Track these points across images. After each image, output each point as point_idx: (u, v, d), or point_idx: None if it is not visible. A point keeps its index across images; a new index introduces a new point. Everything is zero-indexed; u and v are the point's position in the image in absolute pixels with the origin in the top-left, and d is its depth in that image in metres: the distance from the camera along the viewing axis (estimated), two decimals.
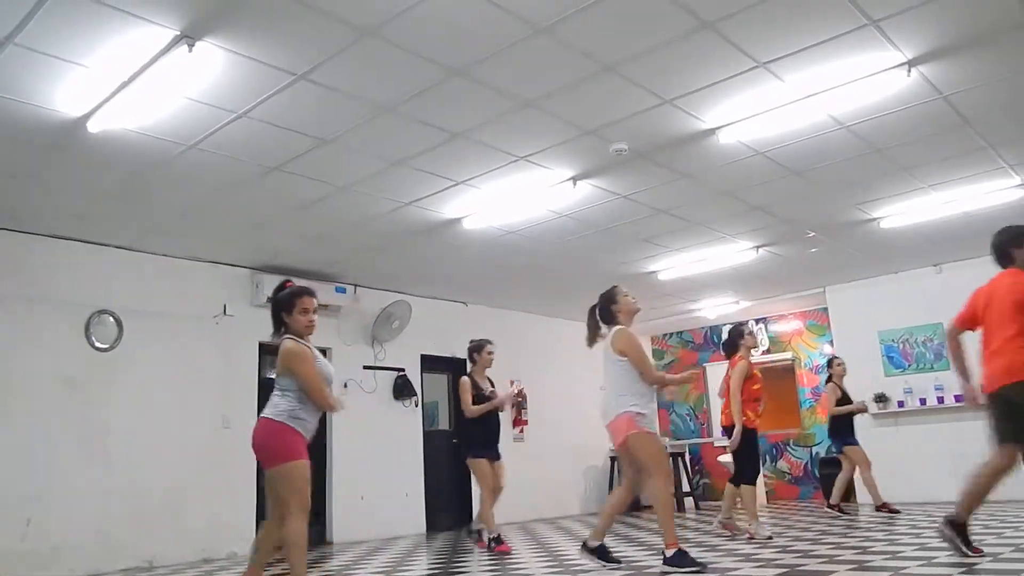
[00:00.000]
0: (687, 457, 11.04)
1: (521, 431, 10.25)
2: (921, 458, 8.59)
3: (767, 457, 11.16)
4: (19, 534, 5.85)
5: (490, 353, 6.47)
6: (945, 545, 4.20)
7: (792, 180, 6.31)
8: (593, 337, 4.86)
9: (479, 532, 6.39)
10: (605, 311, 4.82)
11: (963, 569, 3.71)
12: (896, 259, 8.92)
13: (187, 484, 6.80)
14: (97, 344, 6.62)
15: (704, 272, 9.01)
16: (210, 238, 6.92)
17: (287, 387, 3.71)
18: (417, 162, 5.54)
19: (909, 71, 4.53)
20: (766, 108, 5.00)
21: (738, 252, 8.35)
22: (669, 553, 4.33)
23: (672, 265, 8.74)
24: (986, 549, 4.24)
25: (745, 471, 6.14)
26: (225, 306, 7.49)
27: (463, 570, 5.09)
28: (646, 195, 6.49)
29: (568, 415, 10.40)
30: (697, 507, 10.36)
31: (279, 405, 3.68)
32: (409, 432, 8.97)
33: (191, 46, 3.81)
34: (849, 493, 9.74)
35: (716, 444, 11.26)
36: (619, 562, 4.69)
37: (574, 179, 6.02)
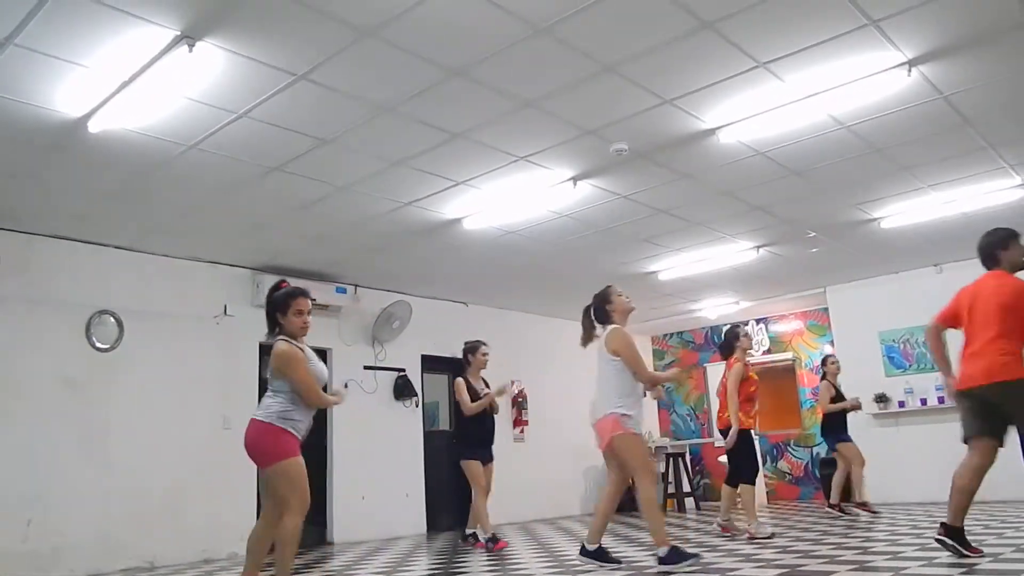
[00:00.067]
0: (687, 457, 11.04)
1: (521, 431, 10.26)
2: (922, 458, 8.58)
3: (767, 457, 11.16)
4: (20, 534, 5.85)
5: (484, 354, 6.53)
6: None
7: (792, 180, 6.31)
8: (588, 337, 4.88)
9: (474, 534, 6.42)
10: (600, 311, 4.85)
11: (963, 569, 3.71)
12: (896, 259, 8.92)
13: (188, 484, 6.81)
14: (98, 344, 6.62)
15: (704, 272, 9.01)
16: (210, 238, 6.92)
17: (279, 388, 3.72)
18: (417, 162, 5.54)
19: (909, 71, 4.53)
20: (766, 108, 5.00)
21: (738, 252, 8.35)
22: (663, 552, 4.36)
23: (672, 265, 8.74)
24: (986, 549, 4.24)
25: (744, 471, 6.17)
26: (225, 306, 7.50)
27: (463, 570, 5.09)
28: (646, 195, 6.49)
29: (568, 415, 10.39)
30: (697, 507, 10.36)
31: (270, 407, 3.69)
32: (409, 432, 8.97)
33: (191, 46, 3.81)
34: (849, 493, 9.76)
35: (716, 444, 11.24)
36: (619, 562, 4.69)
37: (574, 179, 6.02)
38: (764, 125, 5.21)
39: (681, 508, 10.28)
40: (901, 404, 9.25)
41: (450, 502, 8.96)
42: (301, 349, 3.80)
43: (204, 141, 4.95)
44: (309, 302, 3.91)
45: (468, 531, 6.60)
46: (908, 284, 9.39)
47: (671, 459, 10.45)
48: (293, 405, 3.70)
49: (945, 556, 4.14)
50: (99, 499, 6.28)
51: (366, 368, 8.67)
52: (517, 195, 6.27)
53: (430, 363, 9.42)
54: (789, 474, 11.05)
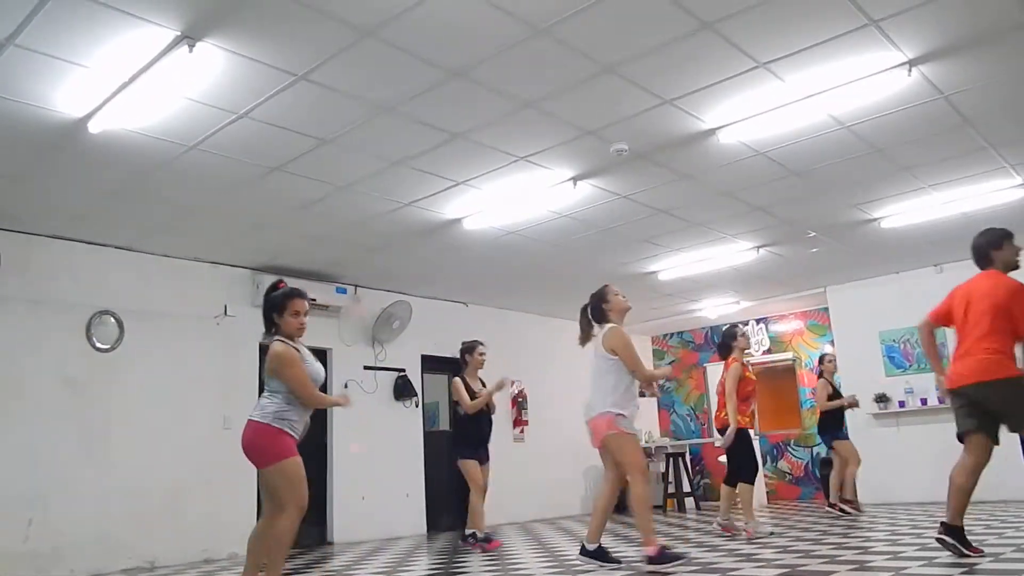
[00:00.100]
0: (687, 457, 11.03)
1: (521, 431, 10.26)
2: (922, 458, 8.57)
3: (768, 457, 11.16)
4: (21, 535, 5.85)
5: (481, 354, 6.56)
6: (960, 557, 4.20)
7: (792, 180, 6.31)
8: (586, 336, 4.91)
9: (474, 534, 6.43)
10: (596, 310, 4.88)
11: (964, 569, 3.71)
12: (897, 259, 8.92)
13: (188, 484, 6.81)
14: (98, 344, 6.62)
15: (704, 272, 9.01)
16: (211, 238, 6.92)
17: (276, 389, 3.72)
18: (417, 162, 5.54)
19: (910, 71, 4.53)
20: (766, 108, 5.00)
21: (739, 252, 8.35)
22: (651, 552, 4.42)
23: (673, 265, 8.74)
24: (987, 549, 4.24)
25: (742, 470, 6.20)
26: (226, 306, 7.50)
27: (463, 570, 5.09)
28: (646, 195, 6.49)
29: (568, 415, 10.38)
30: (697, 507, 10.36)
31: (266, 407, 3.69)
32: (409, 432, 8.97)
33: (191, 47, 3.81)
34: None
35: (716, 444, 11.24)
36: (619, 562, 4.69)
37: (574, 179, 6.02)
38: (764, 125, 5.21)
39: (681, 508, 10.28)
40: (901, 404, 9.24)
41: (450, 502, 8.96)
42: (297, 349, 3.80)
43: (204, 141, 4.95)
44: (306, 304, 3.91)
45: (468, 531, 6.60)
46: (908, 284, 9.38)
47: (671, 459, 10.45)
48: (289, 405, 3.70)
49: (945, 556, 4.14)
50: (99, 499, 6.28)
51: (366, 368, 8.67)
52: (517, 195, 6.27)
53: (430, 363, 9.42)
54: (789, 474, 11.05)
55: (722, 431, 6.29)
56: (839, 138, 5.52)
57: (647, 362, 12.72)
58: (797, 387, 11.13)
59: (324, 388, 8.15)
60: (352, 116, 4.77)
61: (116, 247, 6.88)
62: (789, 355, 11.36)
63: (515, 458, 9.87)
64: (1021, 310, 4.06)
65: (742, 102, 4.91)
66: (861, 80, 4.64)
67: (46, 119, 4.52)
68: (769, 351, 11.60)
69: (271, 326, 3.86)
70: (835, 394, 7.99)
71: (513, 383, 10.13)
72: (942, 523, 4.15)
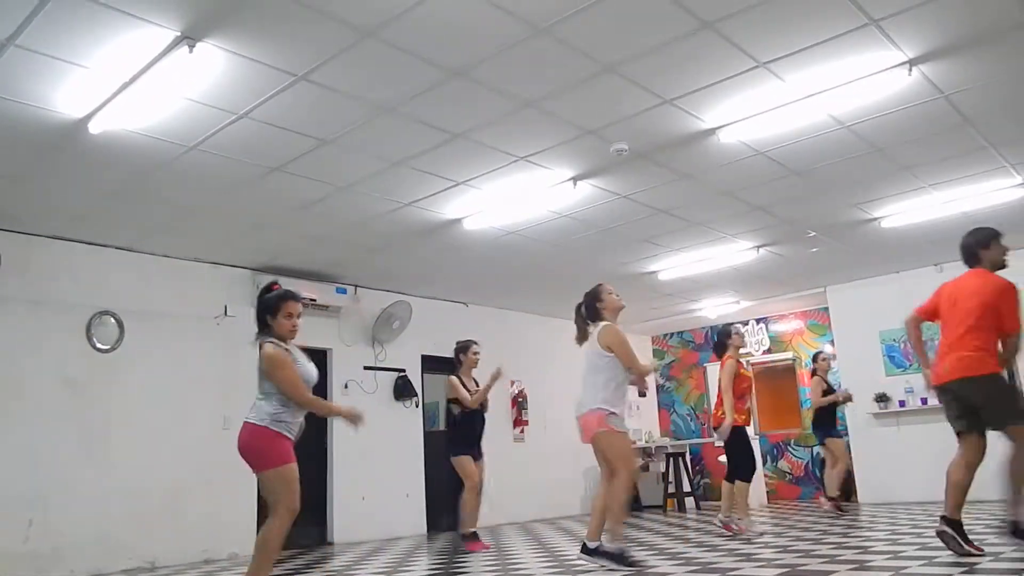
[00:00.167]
0: (687, 457, 11.03)
1: (521, 431, 10.26)
2: (922, 458, 8.56)
3: (768, 457, 11.17)
4: (21, 535, 5.85)
5: (476, 354, 6.62)
6: (946, 547, 4.22)
7: (793, 180, 6.31)
8: (582, 335, 4.93)
9: (474, 534, 6.46)
10: (591, 308, 4.91)
11: (964, 569, 3.71)
12: (897, 259, 8.92)
13: (188, 484, 6.81)
14: (98, 345, 6.62)
15: (705, 272, 9.01)
16: (211, 239, 6.92)
17: (269, 391, 3.72)
18: (417, 162, 5.54)
19: (910, 70, 4.53)
20: (766, 108, 5.00)
21: (739, 252, 8.35)
22: (611, 547, 4.51)
23: (673, 265, 8.74)
24: (987, 548, 4.24)
25: (739, 468, 6.23)
26: (226, 307, 7.49)
27: (463, 570, 5.09)
28: (646, 195, 6.49)
29: (568, 415, 10.23)
30: (698, 507, 10.36)
31: (263, 409, 3.69)
32: (410, 433, 8.97)
33: (192, 47, 3.81)
34: (850, 493, 9.76)
35: (716, 444, 11.24)
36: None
37: (574, 179, 6.02)
38: (764, 125, 5.21)
39: (681, 508, 10.28)
40: (902, 403, 9.24)
41: (450, 502, 8.94)
42: (288, 351, 3.80)
43: (205, 142, 4.95)
44: (300, 306, 3.91)
45: (468, 531, 6.61)
46: (908, 284, 9.36)
47: (671, 459, 10.44)
48: (284, 407, 3.70)
49: (945, 555, 4.14)
50: (100, 499, 6.28)
51: (366, 368, 8.67)
52: (517, 195, 6.27)
53: (430, 363, 9.42)
54: (789, 474, 11.05)
55: (718, 429, 6.36)
56: (839, 138, 5.52)
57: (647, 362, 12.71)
58: (797, 387, 11.13)
59: (323, 389, 8.26)
60: (352, 116, 4.77)
61: (116, 247, 6.88)
62: (789, 355, 11.36)
63: (515, 458, 9.87)
64: (1008, 308, 4.15)
65: (742, 102, 4.91)
66: (861, 80, 4.64)
67: (46, 119, 4.52)
68: (769, 351, 11.61)
69: (264, 327, 3.86)
70: (828, 391, 8.10)
71: (513, 383, 10.13)
72: (942, 516, 4.18)
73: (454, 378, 6.53)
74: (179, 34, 3.76)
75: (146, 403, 6.76)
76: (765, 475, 10.95)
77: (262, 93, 4.40)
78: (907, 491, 8.72)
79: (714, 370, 11.53)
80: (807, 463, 10.85)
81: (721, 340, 6.55)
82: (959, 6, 3.94)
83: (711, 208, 6.93)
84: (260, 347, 3.78)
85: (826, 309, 10.46)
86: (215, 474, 6.91)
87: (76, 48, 3.83)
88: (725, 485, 6.40)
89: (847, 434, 9.83)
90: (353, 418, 3.98)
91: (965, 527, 4.19)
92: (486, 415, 6.62)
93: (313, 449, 7.93)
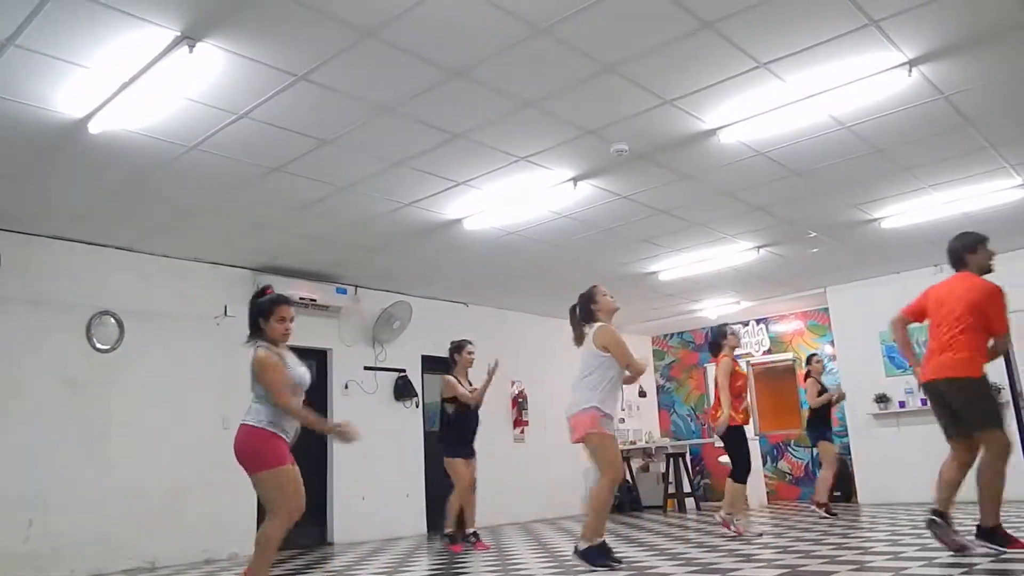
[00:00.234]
0: (687, 458, 11.03)
1: (522, 431, 10.25)
2: (922, 458, 8.50)
3: (768, 457, 11.16)
4: (21, 535, 5.85)
5: (470, 353, 6.64)
6: (947, 546, 4.25)
7: (793, 180, 6.31)
8: (579, 336, 4.95)
9: (475, 533, 6.48)
10: (585, 310, 4.95)
11: (963, 569, 3.71)
12: (897, 259, 8.91)
13: (188, 484, 6.80)
14: (98, 345, 6.62)
15: (705, 272, 9.01)
16: (211, 239, 6.92)
17: (262, 393, 3.73)
18: (417, 162, 5.54)
19: (910, 71, 4.53)
20: (767, 108, 5.00)
21: (739, 252, 8.35)
22: (583, 546, 4.54)
23: (673, 265, 8.74)
24: (987, 548, 4.23)
25: (736, 467, 6.27)
26: (226, 307, 7.49)
27: (463, 570, 5.09)
28: (647, 195, 6.49)
29: None
30: (698, 507, 10.35)
31: (260, 411, 3.69)
32: (410, 433, 8.97)
33: (192, 47, 3.81)
34: (850, 494, 9.76)
35: (716, 444, 11.25)
36: (619, 561, 4.70)
37: (575, 180, 6.02)
38: (765, 125, 5.21)
39: (681, 508, 10.27)
40: (902, 404, 9.24)
41: None
42: (280, 355, 3.80)
43: (205, 142, 4.95)
44: (292, 310, 3.92)
45: (468, 531, 6.61)
46: (909, 284, 9.29)
47: (671, 459, 10.44)
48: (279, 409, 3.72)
49: (946, 556, 4.14)
50: (100, 499, 6.28)
51: (366, 369, 8.67)
52: (517, 195, 6.27)
53: (430, 363, 9.41)
54: (789, 474, 11.05)
55: (716, 432, 6.43)
56: (840, 138, 5.52)
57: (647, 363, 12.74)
58: (797, 388, 11.11)
59: (324, 389, 8.26)
60: (352, 116, 4.77)
61: (116, 247, 6.88)
62: (789, 355, 11.36)
63: (515, 458, 9.88)
64: (995, 311, 4.23)
65: (743, 102, 4.91)
66: (862, 80, 4.65)
67: (46, 120, 4.52)
68: (769, 351, 11.60)
69: (256, 331, 3.87)
70: (823, 393, 8.12)
71: (513, 383, 10.13)
72: (932, 509, 4.26)
73: (451, 377, 6.55)
74: (179, 34, 3.76)
75: (146, 403, 6.76)
76: (765, 476, 10.94)
77: (262, 93, 4.40)
78: (907, 492, 8.71)
79: (713, 370, 11.59)
80: (807, 463, 10.85)
81: (716, 340, 6.61)
82: (959, 6, 3.94)
83: (711, 208, 6.93)
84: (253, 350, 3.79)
85: (826, 310, 10.46)
86: (215, 474, 6.90)
87: (76, 48, 3.83)
88: (729, 483, 6.42)
89: (845, 434, 9.85)
90: (344, 435, 3.83)
91: (967, 527, 4.20)
92: (479, 413, 6.65)
93: (313, 449, 7.92)
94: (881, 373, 9.51)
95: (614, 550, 4.97)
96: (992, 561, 3.92)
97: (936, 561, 4.04)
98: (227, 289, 7.55)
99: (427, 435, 9.18)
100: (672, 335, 12.76)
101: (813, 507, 7.92)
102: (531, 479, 9.88)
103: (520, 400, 10.30)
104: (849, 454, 9.85)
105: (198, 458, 6.91)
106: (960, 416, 4.19)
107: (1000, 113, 5.26)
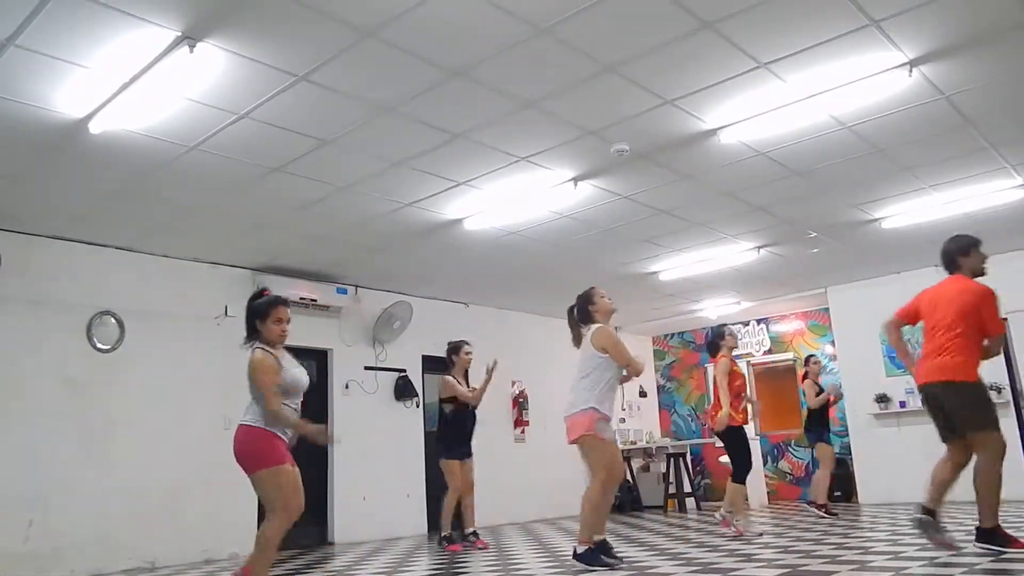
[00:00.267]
0: (688, 458, 11.03)
1: (522, 431, 10.25)
2: (923, 458, 8.49)
3: (768, 458, 11.16)
4: (21, 535, 5.85)
5: (468, 354, 6.68)
6: (935, 544, 4.35)
7: (794, 180, 6.30)
8: (578, 337, 4.96)
9: (474, 532, 6.50)
10: (583, 311, 4.97)
11: (964, 569, 3.71)
12: (898, 259, 8.91)
13: (188, 484, 6.80)
14: (99, 345, 6.62)
15: (706, 272, 9.01)
16: (211, 239, 6.92)
17: (258, 394, 3.73)
18: (418, 163, 5.54)
19: (911, 71, 4.53)
20: (767, 108, 4.99)
21: (740, 252, 8.35)
22: (580, 549, 4.52)
23: (674, 266, 8.74)
24: (987, 548, 4.23)
25: (735, 468, 6.25)
26: (226, 307, 7.48)
27: (464, 570, 5.09)
28: (647, 196, 6.48)
29: None
30: (698, 507, 10.35)
31: (257, 412, 3.69)
32: (410, 433, 8.96)
33: (192, 47, 3.81)
34: (850, 494, 9.76)
35: (717, 444, 11.24)
36: (620, 560, 4.70)
37: (575, 180, 6.02)
38: (765, 125, 5.21)
39: (682, 508, 10.27)
40: (902, 404, 9.24)
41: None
42: (277, 357, 3.80)
43: (205, 142, 4.95)
44: (288, 311, 3.93)
45: (467, 531, 6.63)
46: (909, 284, 9.25)
47: (672, 459, 10.44)
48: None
49: (946, 556, 4.14)
50: (100, 499, 6.28)
51: (367, 368, 8.67)
52: (518, 196, 6.27)
53: (431, 363, 9.40)
54: (790, 474, 11.05)
55: (715, 430, 6.46)
56: (840, 138, 5.52)
57: (648, 363, 12.75)
58: (798, 387, 11.09)
59: (324, 389, 8.25)
60: (353, 116, 4.77)
61: (116, 247, 6.88)
62: (790, 355, 11.36)
63: (516, 458, 9.87)
64: (989, 313, 4.27)
65: (743, 102, 4.90)
66: (862, 80, 4.64)
67: (47, 120, 4.52)
68: (770, 351, 11.60)
69: (253, 333, 3.88)
70: (820, 394, 8.17)
71: (514, 384, 10.13)
72: (921, 506, 4.32)
73: (450, 378, 6.57)
74: (180, 34, 3.76)
75: (146, 403, 6.76)
76: (766, 476, 10.94)
77: (262, 93, 4.40)
78: (907, 491, 8.67)
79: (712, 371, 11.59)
80: (807, 464, 10.84)
81: (714, 341, 6.66)
82: (959, 7, 3.93)
83: (712, 208, 6.92)
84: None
85: (827, 310, 10.46)
86: (215, 474, 6.90)
87: (76, 48, 3.83)
88: (728, 483, 6.45)
89: (846, 434, 9.85)
90: (319, 439, 3.84)
91: (967, 527, 4.21)
92: (476, 413, 6.68)
93: (314, 449, 7.90)
94: (882, 373, 9.51)
95: (615, 549, 4.98)
96: (992, 561, 3.92)
97: (937, 561, 4.04)
98: (227, 289, 7.55)
99: (428, 435, 9.17)
100: (673, 335, 12.76)
101: (809, 507, 7.93)
102: (531, 479, 9.88)
103: (521, 400, 10.30)
104: (850, 454, 9.85)
105: (198, 458, 6.91)
106: (956, 419, 4.21)
107: (1000, 113, 5.25)
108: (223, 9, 3.60)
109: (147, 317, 6.94)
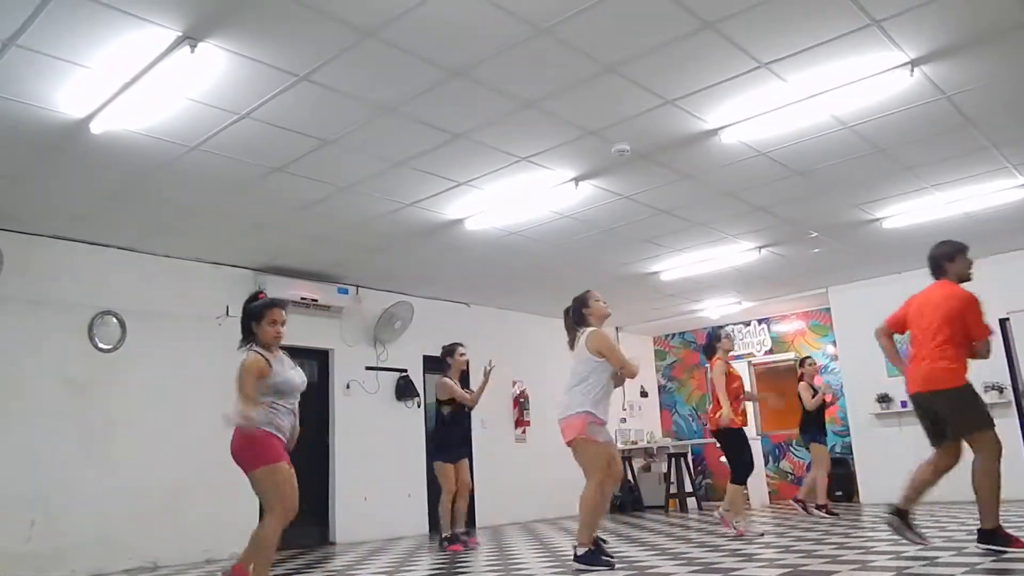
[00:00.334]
0: (689, 457, 11.03)
1: (523, 431, 10.25)
2: (924, 458, 8.56)
3: (770, 457, 11.15)
4: (22, 535, 5.85)
5: (462, 355, 6.73)
6: (910, 541, 4.44)
7: (795, 180, 6.30)
8: (574, 339, 4.97)
9: (466, 532, 6.53)
10: (577, 313, 5.00)
11: (965, 569, 3.71)
12: (899, 259, 8.89)
13: (189, 484, 6.80)
14: (100, 345, 6.63)
15: (706, 273, 9.01)
16: (212, 239, 6.92)
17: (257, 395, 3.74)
18: (419, 163, 5.54)
19: (912, 71, 4.53)
20: (768, 108, 4.99)
21: (740, 252, 8.34)
22: (580, 550, 4.53)
23: (674, 266, 8.74)
24: (986, 547, 4.23)
25: (734, 469, 6.25)
26: (227, 307, 7.48)
27: (464, 570, 5.09)
28: (648, 196, 6.48)
29: None
30: (699, 507, 10.35)
31: (257, 412, 3.70)
32: (411, 433, 8.96)
33: (193, 47, 3.82)
34: (851, 494, 9.75)
35: (717, 445, 11.23)
36: (612, 556, 4.72)
37: (576, 180, 6.02)
38: (766, 125, 5.20)
39: (683, 508, 10.27)
40: (903, 404, 9.21)
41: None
42: (270, 360, 3.80)
43: (206, 142, 4.95)
44: (284, 313, 3.95)
45: (460, 531, 6.64)
46: (911, 284, 9.22)
47: (673, 459, 10.44)
48: (273, 409, 3.74)
49: (947, 556, 4.14)
50: (101, 499, 6.28)
51: (368, 369, 8.67)
52: (519, 196, 6.27)
53: (432, 363, 9.38)
54: (791, 474, 11.04)
55: (714, 432, 6.51)
56: (841, 138, 5.51)
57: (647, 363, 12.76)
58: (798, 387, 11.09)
59: (325, 389, 8.25)
60: (353, 116, 4.77)
61: (117, 247, 6.89)
62: (791, 355, 11.34)
63: (516, 458, 9.87)
64: (973, 318, 4.31)
65: (744, 102, 4.90)
66: (863, 80, 4.64)
67: (48, 120, 4.52)
68: (771, 351, 11.59)
69: (248, 335, 3.89)
70: (815, 396, 8.21)
71: (515, 384, 10.12)
72: (893, 506, 4.40)
73: (448, 379, 6.58)
74: (181, 34, 3.76)
75: (148, 403, 6.76)
76: (767, 475, 10.93)
77: (263, 93, 4.40)
78: None
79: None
80: (808, 463, 10.81)
81: (710, 343, 6.70)
82: (960, 6, 3.93)
83: (713, 208, 6.92)
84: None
85: (828, 310, 10.46)
86: (216, 474, 6.86)
87: (77, 48, 3.83)
88: (728, 483, 6.47)
89: (847, 434, 9.84)
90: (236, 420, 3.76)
91: (967, 528, 4.22)
92: (471, 415, 6.72)
93: (315, 449, 7.93)
94: (883, 373, 9.48)
95: (611, 550, 5.00)
96: (993, 561, 3.91)
97: (938, 561, 4.04)
98: (228, 289, 7.55)
99: (428, 435, 9.18)
100: (673, 335, 12.75)
101: (796, 504, 8.05)
102: (532, 479, 9.88)
103: (521, 400, 10.30)
104: (851, 454, 9.85)
105: (199, 458, 6.90)
106: (949, 424, 4.24)
107: (1002, 113, 5.25)
108: (224, 9, 3.60)
109: (148, 317, 6.94)
